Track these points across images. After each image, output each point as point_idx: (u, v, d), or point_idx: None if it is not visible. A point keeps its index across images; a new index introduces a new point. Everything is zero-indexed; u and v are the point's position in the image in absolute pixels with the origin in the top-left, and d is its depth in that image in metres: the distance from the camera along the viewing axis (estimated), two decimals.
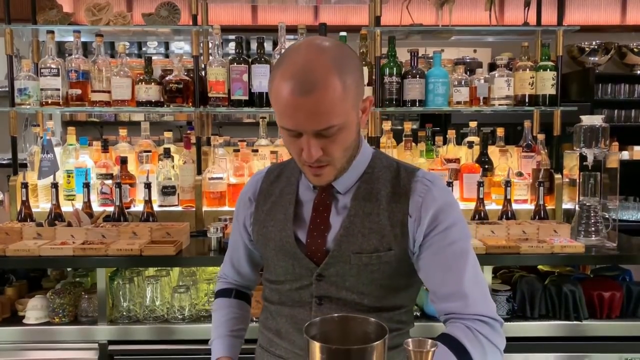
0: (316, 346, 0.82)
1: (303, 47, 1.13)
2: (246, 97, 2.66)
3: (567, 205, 2.68)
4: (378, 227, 1.21)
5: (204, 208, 2.70)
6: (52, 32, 2.66)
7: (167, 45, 5.47)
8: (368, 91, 2.68)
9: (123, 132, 2.88)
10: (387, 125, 2.81)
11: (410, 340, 0.90)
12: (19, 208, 2.59)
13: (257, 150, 2.80)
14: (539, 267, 2.53)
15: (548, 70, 2.71)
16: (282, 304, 1.29)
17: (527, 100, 2.73)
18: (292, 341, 1.26)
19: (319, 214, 1.25)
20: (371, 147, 1.33)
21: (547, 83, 2.71)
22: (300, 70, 1.08)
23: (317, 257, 1.23)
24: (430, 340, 0.91)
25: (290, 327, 1.26)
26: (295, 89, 1.07)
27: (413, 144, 2.80)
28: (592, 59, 4.98)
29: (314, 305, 1.23)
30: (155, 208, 2.63)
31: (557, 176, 2.71)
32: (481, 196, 2.56)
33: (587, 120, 2.40)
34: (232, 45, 4.86)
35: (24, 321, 2.23)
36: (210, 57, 2.75)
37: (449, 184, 2.56)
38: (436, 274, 1.19)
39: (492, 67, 3.88)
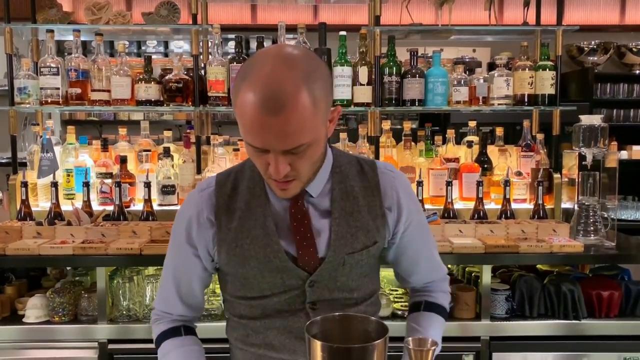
0: (317, 345, 0.82)
1: (270, 60, 1.04)
2: None
3: (566, 204, 2.68)
4: (362, 224, 1.23)
5: None
6: (51, 31, 2.66)
7: (166, 45, 5.47)
8: (367, 91, 2.68)
9: (123, 131, 2.88)
10: (386, 125, 2.81)
11: (410, 339, 0.91)
12: (18, 207, 2.59)
13: None
14: (538, 266, 2.54)
15: (547, 69, 2.71)
16: (268, 317, 1.24)
17: (526, 99, 2.73)
18: (293, 350, 1.23)
19: (300, 222, 1.21)
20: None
21: (546, 83, 2.71)
22: (269, 86, 1.01)
23: (309, 266, 1.21)
24: (430, 339, 0.92)
25: (285, 337, 1.23)
26: (263, 107, 1.00)
27: (412, 143, 2.81)
28: (591, 58, 4.99)
29: (309, 311, 1.22)
30: (155, 207, 2.63)
31: (556, 176, 2.72)
32: (480, 195, 2.57)
33: (586, 119, 2.41)
34: (231, 44, 4.85)
35: (24, 320, 2.24)
36: (210, 57, 2.75)
37: (448, 184, 2.56)
38: (420, 254, 1.36)
39: (492, 66, 3.88)
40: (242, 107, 1.04)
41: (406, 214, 1.28)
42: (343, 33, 2.66)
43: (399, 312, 2.28)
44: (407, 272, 1.39)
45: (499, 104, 2.73)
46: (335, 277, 1.22)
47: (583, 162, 2.40)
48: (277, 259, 1.19)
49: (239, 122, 1.07)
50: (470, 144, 2.73)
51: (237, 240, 1.21)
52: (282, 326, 1.23)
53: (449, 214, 2.56)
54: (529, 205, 2.71)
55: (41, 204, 2.72)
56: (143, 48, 5.42)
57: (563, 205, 2.70)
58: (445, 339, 2.18)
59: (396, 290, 2.44)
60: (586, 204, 2.40)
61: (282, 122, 1.01)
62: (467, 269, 2.50)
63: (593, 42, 4.96)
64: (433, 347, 0.91)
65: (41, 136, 2.70)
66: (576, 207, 2.44)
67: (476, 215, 2.57)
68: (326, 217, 1.22)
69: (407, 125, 2.82)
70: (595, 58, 4.99)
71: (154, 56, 3.48)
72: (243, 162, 1.31)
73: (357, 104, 2.70)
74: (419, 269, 1.38)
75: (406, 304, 2.30)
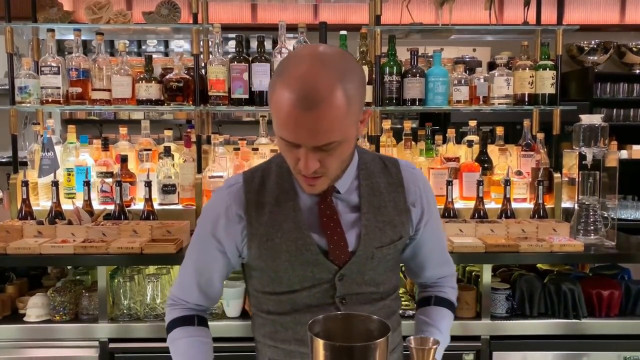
0: (320, 343, 0.82)
1: (307, 58, 1.08)
2: (246, 96, 2.66)
3: (566, 204, 2.68)
4: (389, 219, 1.27)
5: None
6: (52, 30, 2.66)
7: (167, 44, 5.47)
8: (368, 90, 2.68)
9: (123, 130, 2.88)
10: (387, 124, 2.82)
11: (412, 337, 0.92)
12: (19, 206, 2.59)
13: (257, 149, 2.80)
14: (538, 265, 2.54)
15: (547, 69, 2.71)
16: (298, 311, 1.25)
17: (526, 99, 2.73)
18: None
19: (329, 218, 1.24)
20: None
21: (546, 82, 2.71)
22: (304, 84, 1.04)
23: (339, 259, 1.23)
24: (432, 338, 0.92)
25: None
26: (298, 103, 1.03)
27: (413, 142, 2.81)
28: (591, 58, 5.00)
29: (339, 305, 1.24)
30: (156, 206, 2.63)
31: (557, 175, 2.72)
32: (480, 195, 2.57)
33: (586, 119, 2.41)
34: (232, 43, 4.86)
35: (25, 319, 2.24)
36: (211, 56, 2.75)
37: (449, 183, 2.56)
38: (435, 249, 1.40)
39: (492, 66, 3.88)
40: (278, 103, 1.07)
41: (427, 210, 1.33)
42: (343, 32, 2.66)
43: (400, 312, 2.27)
44: (420, 267, 1.42)
45: (499, 104, 2.73)
46: (363, 271, 1.25)
47: (583, 162, 2.41)
48: (309, 252, 1.22)
49: (274, 116, 1.10)
50: (470, 144, 2.74)
51: (268, 235, 1.23)
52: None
53: (449, 214, 2.57)
54: (529, 205, 2.71)
55: (42, 203, 2.72)
56: (143, 47, 5.42)
57: (563, 205, 2.70)
58: None
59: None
60: (586, 203, 2.40)
61: (315, 119, 1.04)
62: (467, 268, 2.50)
63: (593, 42, 4.96)
64: (435, 346, 0.91)
65: (42, 135, 2.70)
66: (576, 207, 2.45)
67: (476, 215, 2.57)
68: (355, 212, 1.26)
69: (408, 125, 2.82)
70: (596, 57, 4.99)
71: (154, 55, 3.48)
72: (269, 159, 1.34)
73: None
74: (432, 264, 1.42)
75: (407, 303, 2.31)
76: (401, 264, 1.48)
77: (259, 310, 1.32)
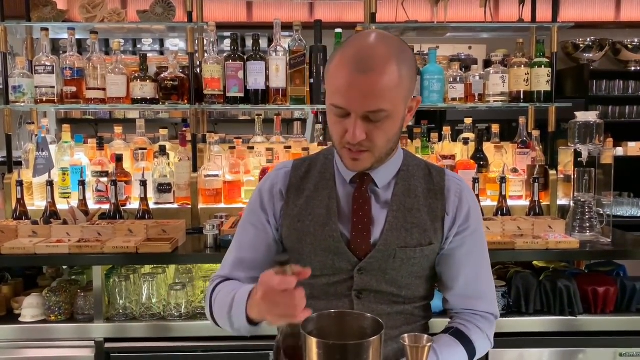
0: (313, 342, 0.82)
1: (370, 33, 1.18)
2: (242, 94, 2.66)
3: (561, 201, 2.69)
4: (419, 222, 1.27)
5: (200, 205, 2.70)
6: (46, 29, 2.65)
7: (162, 43, 5.45)
8: None
9: (118, 129, 2.88)
10: None
11: (406, 335, 0.92)
12: (14, 206, 2.58)
13: (252, 148, 2.80)
14: (534, 262, 2.54)
15: (543, 66, 2.72)
16: (314, 298, 1.25)
17: (522, 96, 2.74)
18: None
19: (360, 207, 1.27)
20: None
21: (541, 79, 2.72)
22: (362, 51, 1.13)
23: (361, 251, 1.25)
24: (425, 336, 0.92)
25: None
26: (353, 67, 1.11)
27: (408, 140, 2.81)
28: (586, 55, 5.00)
29: (354, 298, 1.25)
30: (151, 205, 2.63)
31: (552, 172, 2.72)
32: (476, 192, 2.57)
33: (582, 116, 2.41)
34: (227, 42, 4.84)
35: (20, 319, 2.23)
36: (206, 54, 2.74)
37: None
38: (464, 269, 1.31)
39: (487, 63, 3.89)
40: (334, 69, 1.14)
41: (462, 222, 1.30)
42: (339, 30, 2.66)
43: None
44: (445, 285, 1.35)
45: (494, 101, 2.73)
46: (385, 269, 1.25)
47: (579, 159, 2.41)
48: (332, 238, 1.25)
49: (328, 85, 1.17)
50: (466, 141, 2.74)
51: (300, 216, 1.29)
52: (326, 309, 1.23)
53: None
54: (525, 202, 2.71)
55: (37, 202, 2.71)
56: (139, 46, 5.40)
57: (559, 202, 2.70)
58: None
59: None
60: (582, 200, 2.40)
61: (368, 82, 1.10)
62: None
63: (588, 39, 4.96)
64: (429, 344, 0.91)
65: (36, 135, 2.69)
66: (572, 204, 2.45)
67: None
68: (385, 208, 1.28)
69: None
70: (591, 55, 5.00)
71: (149, 54, 3.48)
72: (319, 152, 1.40)
73: None
74: (457, 284, 1.33)
75: None
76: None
77: None
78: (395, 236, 1.25)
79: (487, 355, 2.23)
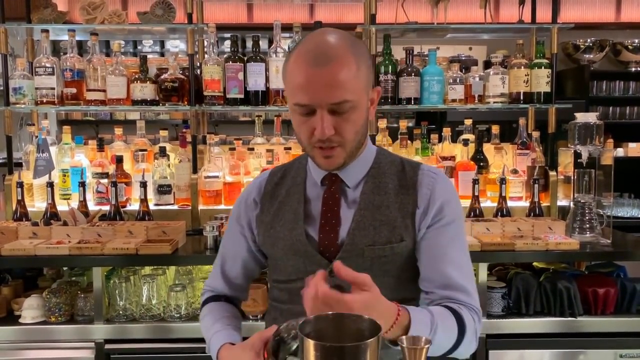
0: (310, 344, 0.82)
1: (319, 31, 1.20)
2: (242, 96, 2.66)
3: (561, 202, 2.69)
4: (388, 219, 1.25)
5: (200, 206, 2.71)
6: (46, 30, 2.65)
7: (162, 44, 5.45)
8: None
9: (119, 130, 2.88)
10: (382, 124, 2.81)
11: (404, 337, 0.92)
12: (14, 207, 2.58)
13: (253, 149, 2.80)
14: (534, 264, 2.54)
15: (543, 67, 2.72)
16: (293, 302, 1.26)
17: (522, 97, 2.74)
18: None
19: (329, 208, 1.26)
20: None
21: (541, 80, 2.72)
22: (317, 46, 1.15)
23: (330, 252, 1.24)
24: (424, 337, 0.92)
25: None
26: (311, 61, 1.12)
27: (408, 141, 2.81)
28: (586, 56, 4.99)
29: None
30: (151, 207, 2.63)
31: (552, 173, 2.72)
32: (476, 193, 2.57)
33: (582, 117, 2.41)
34: (227, 43, 4.84)
35: (20, 320, 2.23)
36: (206, 56, 2.75)
37: None
38: (442, 265, 1.24)
39: (487, 64, 3.88)
40: (292, 68, 1.16)
41: (434, 212, 1.25)
42: None
43: None
44: (424, 278, 1.27)
45: (494, 102, 2.73)
46: (355, 269, 1.18)
47: (579, 160, 2.41)
48: (299, 242, 1.25)
49: (289, 87, 1.18)
50: (466, 142, 2.74)
51: (272, 223, 1.31)
52: (303, 313, 1.23)
53: None
54: (525, 203, 2.71)
55: (37, 204, 2.71)
56: (139, 47, 5.41)
57: (559, 203, 2.70)
58: None
59: None
60: (582, 201, 2.40)
61: (329, 74, 1.12)
62: None
63: (589, 40, 4.96)
64: (427, 345, 0.91)
65: (37, 136, 2.69)
66: (572, 205, 2.45)
67: (472, 213, 2.57)
68: (353, 207, 1.27)
69: (403, 124, 2.82)
70: (591, 56, 4.99)
71: (150, 55, 3.48)
72: (294, 159, 1.42)
73: None
74: (435, 277, 1.24)
75: None
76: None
77: (270, 297, 1.39)
78: (363, 235, 1.23)
79: (487, 356, 2.24)
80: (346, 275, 0.99)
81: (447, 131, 2.83)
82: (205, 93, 2.67)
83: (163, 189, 2.68)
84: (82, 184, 2.54)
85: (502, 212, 2.58)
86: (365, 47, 1.24)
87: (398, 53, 2.81)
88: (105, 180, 2.66)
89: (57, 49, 4.61)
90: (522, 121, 2.86)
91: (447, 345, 1.16)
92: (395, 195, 1.27)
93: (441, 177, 1.30)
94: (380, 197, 1.26)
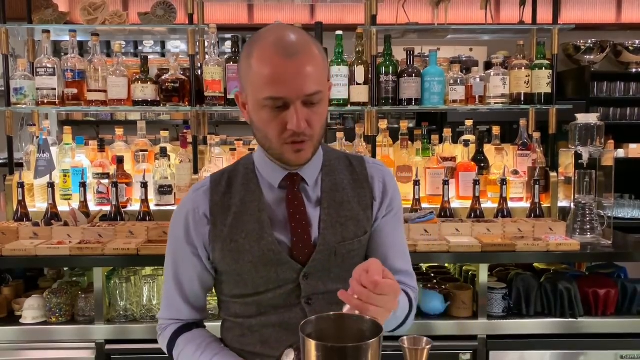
0: (312, 344, 0.82)
1: (274, 26, 1.18)
2: None
3: (562, 203, 2.69)
4: (352, 214, 1.27)
5: None
6: (47, 31, 2.65)
7: (163, 45, 5.46)
8: (364, 90, 2.68)
9: (119, 131, 2.88)
10: (383, 124, 2.81)
11: (405, 338, 0.92)
12: (15, 208, 2.58)
13: (253, 149, 2.78)
14: (535, 264, 2.54)
15: (543, 68, 2.72)
16: (263, 314, 1.24)
17: (522, 98, 2.74)
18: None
19: (296, 209, 1.24)
20: None
21: (542, 81, 2.72)
22: (281, 39, 1.11)
23: (303, 255, 1.22)
24: (425, 339, 0.92)
25: (281, 334, 1.23)
26: (280, 54, 1.09)
27: (409, 142, 2.81)
28: (587, 57, 4.99)
29: (304, 305, 1.22)
30: (152, 207, 2.63)
31: (553, 174, 2.72)
32: (477, 194, 2.57)
33: (583, 118, 2.41)
34: (228, 44, 4.85)
35: (21, 321, 2.23)
36: (207, 56, 2.75)
37: (445, 183, 2.56)
38: (392, 251, 1.32)
39: (488, 65, 3.88)
40: (259, 59, 1.11)
41: (388, 204, 1.32)
42: (339, 32, 2.66)
43: None
44: (382, 257, 1.30)
45: (495, 103, 2.74)
46: (328, 267, 1.23)
47: (579, 161, 2.41)
48: (271, 252, 1.21)
49: (255, 81, 1.12)
50: (467, 143, 2.74)
51: (232, 236, 1.23)
52: (278, 322, 1.23)
53: (445, 213, 2.57)
54: (526, 204, 2.71)
55: (38, 204, 2.71)
56: (140, 48, 5.42)
57: (560, 204, 2.70)
58: (442, 338, 2.21)
59: None
60: (583, 202, 2.40)
61: (300, 64, 1.10)
62: (464, 268, 2.50)
63: (589, 41, 4.96)
64: (428, 346, 0.91)
65: (38, 137, 2.69)
66: (573, 206, 2.45)
67: (473, 214, 2.57)
68: (318, 206, 1.26)
69: (404, 125, 2.82)
70: (592, 57, 4.99)
71: (150, 56, 3.48)
72: (236, 162, 1.35)
73: (353, 104, 2.70)
74: (386, 263, 1.29)
75: None
76: None
77: (227, 314, 1.31)
78: (332, 233, 1.23)
79: (488, 357, 2.24)
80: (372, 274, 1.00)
81: (447, 132, 2.83)
82: (206, 94, 2.67)
83: (164, 190, 2.68)
84: (83, 185, 2.54)
85: (503, 213, 2.58)
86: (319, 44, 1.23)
87: (399, 54, 2.81)
88: (106, 181, 2.66)
89: (58, 49, 4.62)
90: (522, 122, 2.86)
91: (399, 321, 1.25)
92: (352, 190, 1.29)
93: (386, 169, 1.36)
94: (340, 194, 1.27)
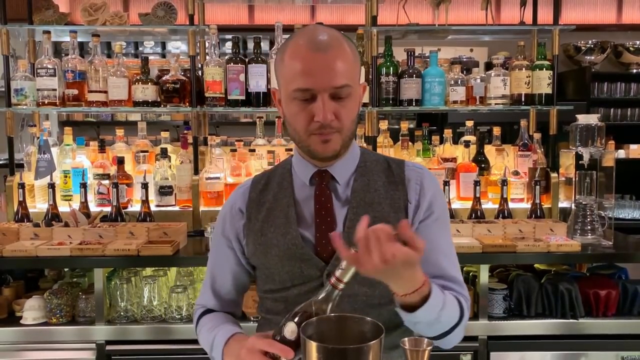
0: (313, 346, 0.82)
1: (309, 28, 1.23)
2: (243, 97, 2.66)
3: (563, 204, 2.69)
4: (381, 215, 1.24)
5: (201, 208, 2.71)
6: (48, 32, 2.65)
7: (163, 45, 5.46)
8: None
9: (120, 132, 2.88)
10: (383, 125, 2.82)
11: (406, 339, 0.92)
12: (15, 208, 2.59)
13: (254, 150, 2.80)
14: (536, 265, 2.54)
15: (544, 69, 2.72)
16: (291, 311, 1.21)
17: (523, 99, 2.74)
18: None
19: (322, 206, 1.25)
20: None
21: (543, 82, 2.72)
22: (313, 37, 1.17)
23: (327, 252, 1.22)
24: (426, 340, 0.92)
25: None
26: (311, 49, 1.14)
27: (410, 143, 2.81)
28: (588, 57, 4.99)
29: None
30: (153, 208, 2.63)
31: (554, 175, 2.72)
32: (478, 195, 2.57)
33: (583, 119, 2.41)
34: (229, 44, 4.85)
35: (22, 322, 2.23)
36: (207, 57, 2.75)
37: (446, 183, 2.56)
38: (433, 257, 1.24)
39: (489, 66, 3.88)
40: (291, 55, 1.17)
41: (427, 205, 1.28)
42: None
43: None
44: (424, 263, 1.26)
45: (496, 104, 2.74)
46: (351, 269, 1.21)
47: (580, 162, 2.41)
48: (295, 246, 1.23)
49: (286, 74, 1.18)
50: (467, 144, 2.74)
51: (263, 230, 1.27)
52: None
53: None
54: (527, 205, 2.71)
55: (38, 205, 2.71)
56: (140, 49, 5.41)
57: (560, 205, 2.70)
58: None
59: None
60: (583, 203, 2.40)
61: (330, 58, 1.14)
62: (464, 269, 2.50)
63: (590, 42, 4.96)
64: (429, 347, 0.91)
65: (38, 137, 2.69)
66: (573, 207, 2.44)
67: (473, 215, 2.57)
68: (346, 205, 1.26)
69: (405, 125, 2.82)
70: (593, 57, 4.99)
71: (151, 57, 3.48)
72: (277, 165, 1.41)
73: None
74: (428, 270, 1.21)
75: None
76: None
77: (262, 310, 1.35)
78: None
79: (488, 358, 2.24)
80: (408, 235, 0.98)
81: (448, 133, 2.83)
82: (206, 94, 2.67)
83: (164, 190, 2.68)
84: (84, 185, 2.54)
85: (504, 213, 2.58)
86: (354, 43, 1.25)
87: (399, 55, 2.81)
88: (106, 182, 2.66)
89: (58, 50, 4.61)
90: (523, 123, 2.86)
91: (446, 327, 1.19)
92: (385, 192, 1.28)
93: (427, 173, 1.33)
94: (371, 195, 1.27)
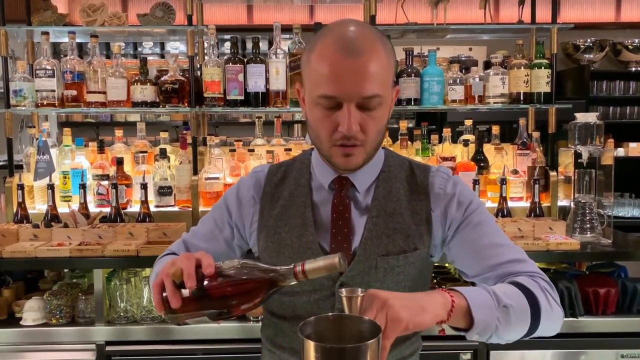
0: (310, 345, 0.82)
1: (344, 21, 1.11)
2: (242, 97, 2.66)
3: (562, 202, 2.69)
4: (402, 227, 1.17)
5: (201, 208, 2.70)
6: (46, 33, 2.65)
7: (162, 46, 5.46)
8: None
9: (119, 132, 2.88)
10: None
11: (343, 289, 0.95)
12: (15, 209, 2.58)
13: (253, 150, 2.80)
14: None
15: (543, 67, 2.72)
16: (296, 318, 1.15)
17: (522, 98, 2.74)
18: None
19: (340, 215, 1.18)
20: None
21: (541, 81, 2.72)
22: (345, 35, 1.06)
23: None
24: (359, 289, 0.95)
25: None
26: (340, 51, 1.04)
27: (409, 142, 2.80)
28: (587, 56, 5.00)
29: None
30: (152, 208, 2.63)
31: (553, 173, 2.72)
32: (477, 194, 2.57)
33: (582, 117, 2.41)
34: (227, 45, 4.85)
35: (21, 323, 2.24)
36: (206, 57, 2.75)
37: None
38: (488, 251, 1.17)
39: (487, 65, 3.88)
40: (319, 55, 1.07)
41: (461, 210, 1.19)
42: None
43: None
44: (472, 273, 1.22)
45: (494, 103, 2.74)
46: (367, 281, 1.14)
47: (579, 160, 2.41)
48: (310, 250, 1.16)
49: (313, 76, 1.08)
50: (466, 143, 2.74)
51: (276, 228, 1.21)
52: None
53: None
54: (526, 204, 2.71)
55: (38, 206, 2.71)
56: (139, 49, 5.42)
57: (559, 203, 2.70)
58: (442, 337, 2.19)
59: None
60: (582, 201, 2.40)
61: (361, 65, 1.04)
62: None
63: (589, 40, 4.96)
64: (362, 294, 0.93)
65: (37, 138, 2.69)
66: (572, 205, 2.45)
67: None
68: (365, 214, 1.19)
69: (404, 125, 2.82)
70: (591, 55, 4.99)
71: (150, 57, 3.48)
72: (295, 157, 1.33)
73: None
74: (483, 266, 1.20)
75: None
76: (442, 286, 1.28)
77: (266, 310, 1.29)
78: (376, 244, 1.15)
79: (488, 356, 2.24)
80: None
81: (447, 132, 2.83)
82: (205, 95, 2.67)
83: (163, 191, 2.68)
84: (83, 186, 2.54)
85: (503, 212, 2.58)
86: (389, 40, 1.14)
87: (398, 54, 2.79)
88: (105, 182, 2.66)
89: (57, 51, 4.62)
90: (522, 121, 2.86)
91: (524, 318, 1.10)
92: (407, 202, 1.20)
93: (453, 177, 1.25)
94: (392, 204, 1.19)
